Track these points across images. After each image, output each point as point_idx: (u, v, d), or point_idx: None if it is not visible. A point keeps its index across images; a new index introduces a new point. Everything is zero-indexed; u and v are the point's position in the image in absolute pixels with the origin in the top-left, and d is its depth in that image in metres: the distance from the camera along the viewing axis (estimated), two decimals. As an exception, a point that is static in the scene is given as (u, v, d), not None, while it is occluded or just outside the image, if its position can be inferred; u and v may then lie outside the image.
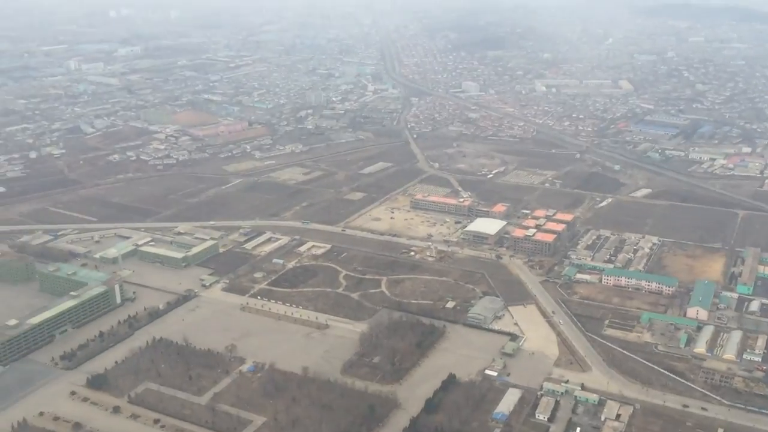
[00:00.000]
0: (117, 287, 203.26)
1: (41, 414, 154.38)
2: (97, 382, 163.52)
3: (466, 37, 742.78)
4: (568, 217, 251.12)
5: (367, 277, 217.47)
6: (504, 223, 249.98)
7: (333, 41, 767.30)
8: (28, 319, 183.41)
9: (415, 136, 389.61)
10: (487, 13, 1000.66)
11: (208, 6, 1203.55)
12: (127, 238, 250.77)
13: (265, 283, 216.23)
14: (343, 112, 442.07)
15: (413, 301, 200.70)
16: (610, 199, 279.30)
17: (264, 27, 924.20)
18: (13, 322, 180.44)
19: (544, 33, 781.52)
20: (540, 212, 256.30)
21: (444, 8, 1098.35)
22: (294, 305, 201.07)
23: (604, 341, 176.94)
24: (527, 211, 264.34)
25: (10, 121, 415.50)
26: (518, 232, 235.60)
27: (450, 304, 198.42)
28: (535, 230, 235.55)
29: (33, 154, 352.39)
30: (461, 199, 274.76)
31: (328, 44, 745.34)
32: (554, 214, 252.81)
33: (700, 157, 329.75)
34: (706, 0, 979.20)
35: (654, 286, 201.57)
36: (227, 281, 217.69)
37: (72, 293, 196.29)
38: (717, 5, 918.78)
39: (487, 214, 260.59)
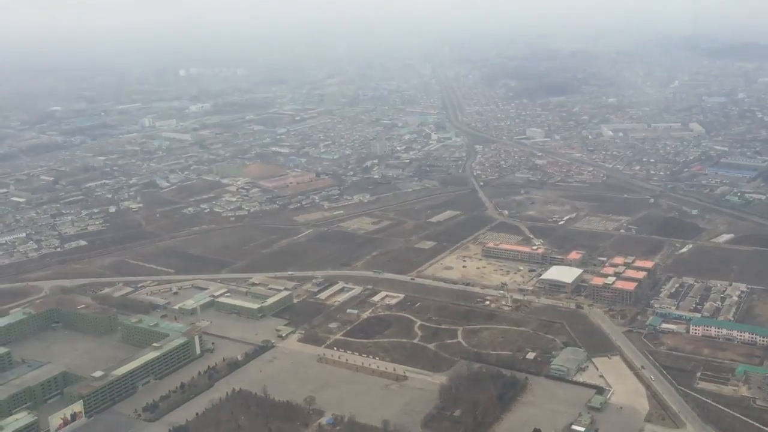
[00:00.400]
0: (197, 338, 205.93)
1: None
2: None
3: (527, 84, 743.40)
4: (649, 264, 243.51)
5: (442, 327, 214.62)
6: (580, 270, 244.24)
7: (394, 92, 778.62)
8: (112, 370, 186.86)
9: (481, 183, 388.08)
10: (545, 60, 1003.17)
11: (272, 62, 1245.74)
12: (204, 289, 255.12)
13: (341, 333, 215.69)
14: (408, 161, 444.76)
15: (492, 352, 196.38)
16: (690, 246, 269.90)
17: (326, 80, 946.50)
18: (98, 373, 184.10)
19: (607, 78, 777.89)
20: (618, 259, 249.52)
21: (503, 56, 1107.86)
22: (370, 356, 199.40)
23: (698, 395, 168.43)
24: (604, 259, 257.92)
25: (90, 178, 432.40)
26: (597, 280, 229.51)
27: (530, 355, 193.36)
28: (614, 278, 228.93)
29: (112, 209, 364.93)
30: (534, 247, 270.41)
31: (390, 95, 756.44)
32: (633, 262, 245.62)
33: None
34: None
35: (747, 336, 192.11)
36: (303, 332, 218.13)
37: (154, 344, 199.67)
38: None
39: (561, 262, 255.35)
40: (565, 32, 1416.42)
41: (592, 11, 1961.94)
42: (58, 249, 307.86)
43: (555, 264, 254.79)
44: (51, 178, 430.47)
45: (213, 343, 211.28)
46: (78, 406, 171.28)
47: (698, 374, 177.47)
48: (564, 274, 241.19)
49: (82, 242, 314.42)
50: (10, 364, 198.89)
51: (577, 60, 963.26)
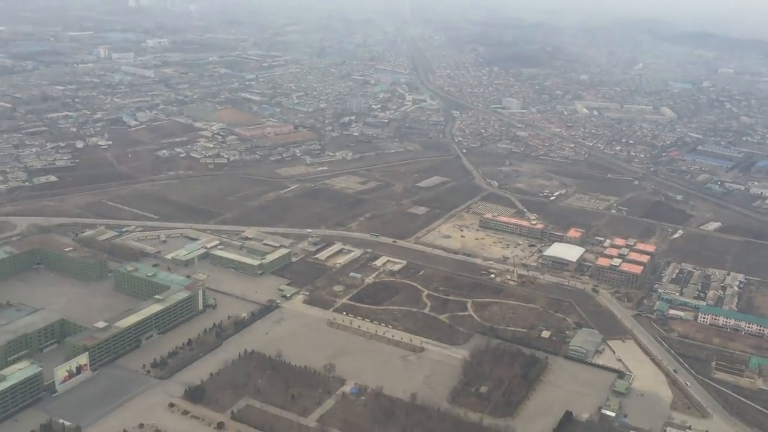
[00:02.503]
0: (200, 293, 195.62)
1: (141, 426, 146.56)
2: (195, 395, 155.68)
3: (496, 52, 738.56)
4: (650, 248, 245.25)
5: (451, 298, 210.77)
6: (583, 249, 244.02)
7: (361, 47, 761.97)
8: (115, 322, 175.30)
9: (464, 150, 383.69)
10: (510, 28, 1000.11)
11: (227, 2, 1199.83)
12: (195, 239, 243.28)
13: (347, 297, 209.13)
14: (386, 121, 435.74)
15: (506, 328, 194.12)
16: (681, 231, 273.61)
17: (287, 27, 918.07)
18: (101, 324, 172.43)
19: (572, 54, 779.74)
20: (620, 241, 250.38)
21: (466, 21, 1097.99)
22: (382, 324, 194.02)
23: (717, 385, 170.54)
24: (602, 238, 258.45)
25: (51, 108, 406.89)
26: (603, 261, 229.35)
27: (545, 334, 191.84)
28: (620, 260, 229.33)
29: (80, 144, 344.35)
30: (534, 222, 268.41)
31: (357, 50, 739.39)
32: (635, 244, 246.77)
33: (761, 192, 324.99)
34: (727, 32, 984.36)
35: (755, 328, 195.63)
36: (307, 293, 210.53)
37: (157, 297, 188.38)
38: (740, 38, 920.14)
39: (561, 239, 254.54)
40: (521, 2, 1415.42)
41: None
42: (26, 183, 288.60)
43: (554, 240, 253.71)
44: (9, 105, 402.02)
45: (214, 299, 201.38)
46: (83, 359, 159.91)
47: (713, 364, 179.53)
48: (567, 251, 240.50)
49: (52, 177, 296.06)
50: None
51: (540, 32, 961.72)
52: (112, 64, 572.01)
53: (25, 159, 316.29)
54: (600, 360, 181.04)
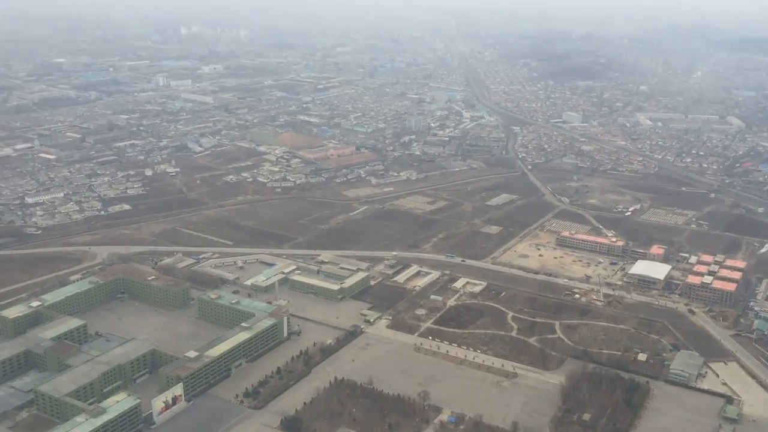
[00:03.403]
0: (285, 320, 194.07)
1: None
2: (292, 425, 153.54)
3: (549, 66, 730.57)
4: (740, 264, 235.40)
5: (537, 320, 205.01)
6: (669, 267, 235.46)
7: (412, 65, 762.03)
8: (206, 351, 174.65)
9: (529, 167, 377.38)
10: (559, 41, 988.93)
11: (275, 26, 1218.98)
12: (271, 264, 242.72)
13: (430, 321, 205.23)
14: (447, 139, 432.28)
15: (601, 351, 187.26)
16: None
17: (337, 49, 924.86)
18: (192, 354, 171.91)
19: (627, 64, 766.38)
20: (707, 257, 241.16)
21: (515, 36, 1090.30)
22: (470, 348, 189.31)
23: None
24: (686, 255, 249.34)
25: (118, 137, 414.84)
26: (693, 279, 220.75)
27: (642, 357, 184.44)
28: (711, 277, 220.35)
29: (149, 172, 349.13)
30: (614, 239, 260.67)
31: (409, 69, 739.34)
32: (724, 261, 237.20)
33: None
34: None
35: None
36: (390, 317, 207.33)
37: (244, 324, 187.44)
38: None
39: (644, 256, 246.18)
40: (566, 14, 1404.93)
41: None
42: (102, 212, 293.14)
43: (637, 258, 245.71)
44: (78, 135, 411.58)
45: (298, 326, 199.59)
46: (178, 389, 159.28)
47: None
48: (652, 269, 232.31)
49: (126, 206, 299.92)
50: (85, 337, 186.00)
51: (591, 44, 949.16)
52: (171, 92, 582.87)
53: (98, 188, 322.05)
54: (704, 384, 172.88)
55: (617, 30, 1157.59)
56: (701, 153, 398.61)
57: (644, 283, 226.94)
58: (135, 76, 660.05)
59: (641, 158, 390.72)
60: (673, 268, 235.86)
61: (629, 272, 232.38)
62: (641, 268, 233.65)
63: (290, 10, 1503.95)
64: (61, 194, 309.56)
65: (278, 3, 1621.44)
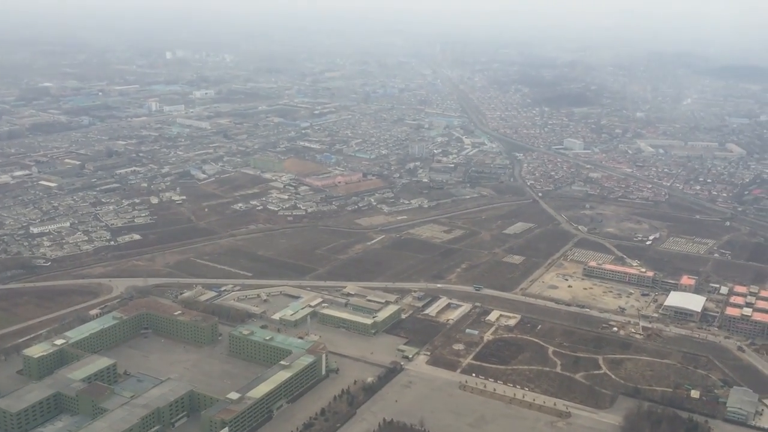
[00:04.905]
0: (323, 357, 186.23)
1: None
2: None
3: (541, 92, 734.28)
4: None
5: (580, 355, 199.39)
6: (704, 298, 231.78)
7: (405, 91, 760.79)
8: (247, 392, 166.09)
9: (539, 194, 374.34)
10: (545, 68, 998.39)
11: (259, 51, 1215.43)
12: (295, 297, 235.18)
13: (470, 357, 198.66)
14: (452, 165, 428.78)
15: (652, 388, 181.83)
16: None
17: (325, 74, 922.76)
18: (234, 395, 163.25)
19: (617, 91, 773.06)
20: (740, 288, 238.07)
21: (500, 62, 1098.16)
22: (516, 386, 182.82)
23: None
24: (716, 285, 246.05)
25: (117, 163, 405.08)
26: (732, 311, 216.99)
27: (694, 394, 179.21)
28: (750, 309, 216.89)
29: (154, 200, 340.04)
30: (642, 269, 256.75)
31: (401, 94, 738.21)
32: (759, 292, 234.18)
33: None
34: (761, 62, 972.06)
35: None
36: (428, 353, 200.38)
37: (282, 362, 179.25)
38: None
39: (675, 287, 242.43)
40: (545, 41, 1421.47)
41: (557, 21, 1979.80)
42: (111, 242, 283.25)
43: (667, 289, 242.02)
44: (77, 162, 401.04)
45: (335, 362, 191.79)
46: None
47: None
48: (688, 301, 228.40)
49: (136, 236, 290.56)
50: (115, 377, 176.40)
51: (577, 70, 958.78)
52: (165, 117, 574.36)
53: (104, 217, 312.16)
54: (762, 422, 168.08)
55: (598, 57, 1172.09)
56: (709, 180, 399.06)
57: (681, 315, 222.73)
58: (126, 101, 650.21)
59: (650, 185, 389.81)
60: (708, 300, 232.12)
61: (665, 304, 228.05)
62: (676, 299, 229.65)
63: (274, 35, 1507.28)
64: (68, 224, 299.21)
65: (261, 28, 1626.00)
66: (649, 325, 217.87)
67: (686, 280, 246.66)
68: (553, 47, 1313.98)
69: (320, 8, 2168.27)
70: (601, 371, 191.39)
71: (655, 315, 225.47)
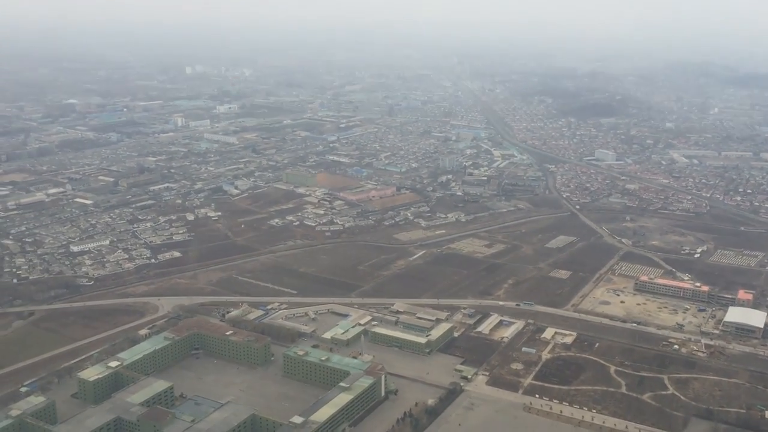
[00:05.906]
0: (383, 378, 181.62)
1: None
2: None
3: (565, 103, 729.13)
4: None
5: (644, 374, 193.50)
6: (764, 313, 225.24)
7: (428, 104, 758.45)
8: (309, 415, 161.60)
9: (577, 207, 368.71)
10: (566, 78, 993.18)
11: (277, 66, 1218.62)
12: (344, 315, 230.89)
13: (530, 377, 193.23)
14: (485, 178, 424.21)
15: (725, 409, 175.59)
16: None
17: (346, 87, 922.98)
18: (298, 419, 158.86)
19: (642, 101, 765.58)
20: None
21: (520, 73, 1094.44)
22: (583, 407, 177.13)
23: None
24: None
25: (150, 180, 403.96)
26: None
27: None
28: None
29: (190, 216, 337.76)
30: (696, 284, 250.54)
31: (425, 107, 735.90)
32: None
33: None
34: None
35: None
36: (486, 373, 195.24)
37: (342, 384, 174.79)
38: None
39: (732, 302, 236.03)
40: (562, 53, 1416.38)
41: (572, 33, 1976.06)
42: (152, 260, 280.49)
43: (723, 304, 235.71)
44: (110, 179, 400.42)
45: (394, 384, 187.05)
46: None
47: None
48: (749, 316, 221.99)
49: (176, 253, 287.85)
50: (172, 401, 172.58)
51: (598, 81, 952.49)
52: (191, 132, 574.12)
53: (142, 234, 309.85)
54: None
55: (617, 67, 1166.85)
56: (749, 191, 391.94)
57: (742, 331, 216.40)
58: (151, 117, 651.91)
59: (689, 197, 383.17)
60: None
61: (725, 320, 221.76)
62: (736, 315, 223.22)
63: (290, 50, 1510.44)
64: (107, 241, 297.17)
65: (277, 43, 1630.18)
66: (711, 343, 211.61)
67: (743, 294, 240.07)
68: (570, 58, 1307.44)
69: (330, 23, 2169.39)
70: (669, 392, 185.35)
71: (716, 331, 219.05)
